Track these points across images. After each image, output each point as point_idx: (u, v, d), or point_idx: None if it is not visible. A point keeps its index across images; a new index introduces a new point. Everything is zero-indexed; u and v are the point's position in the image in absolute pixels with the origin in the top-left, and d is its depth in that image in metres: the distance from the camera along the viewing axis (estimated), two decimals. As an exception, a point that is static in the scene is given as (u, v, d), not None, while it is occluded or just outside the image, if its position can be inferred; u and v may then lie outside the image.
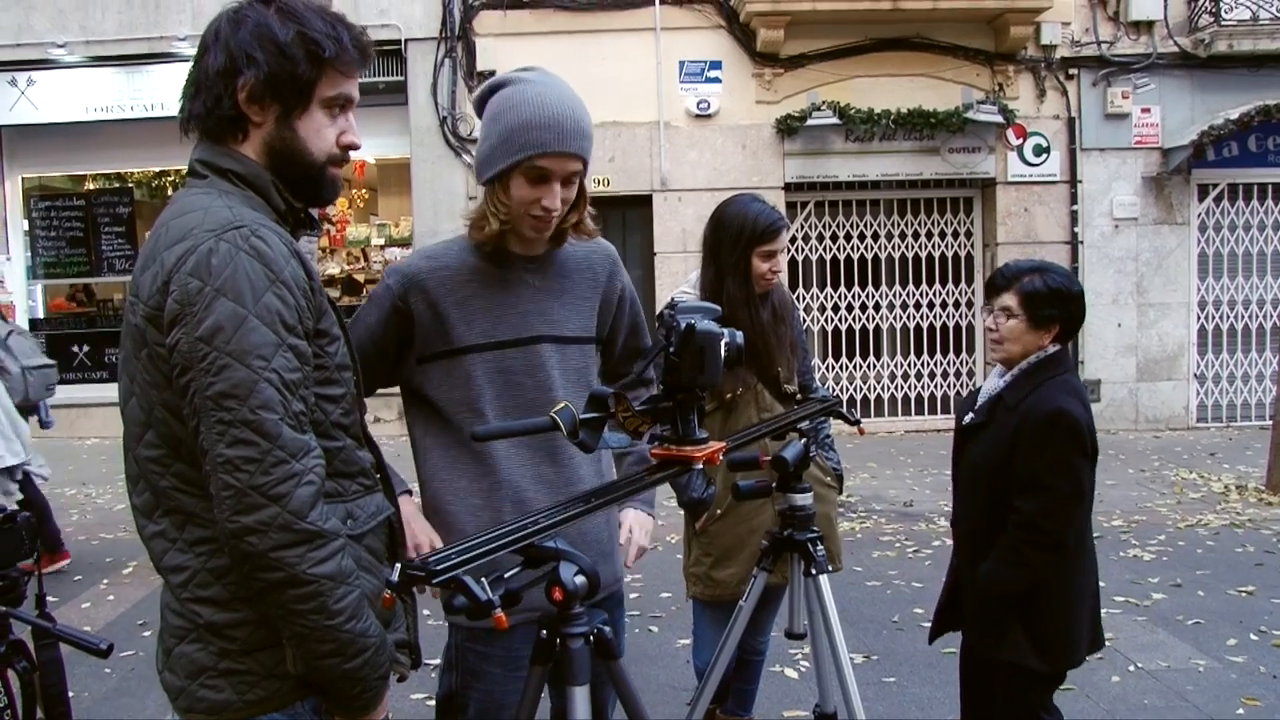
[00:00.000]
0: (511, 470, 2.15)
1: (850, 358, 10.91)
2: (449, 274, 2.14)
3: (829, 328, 10.86)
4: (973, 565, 2.80)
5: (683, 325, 1.90)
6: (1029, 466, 2.66)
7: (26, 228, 11.47)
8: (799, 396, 3.30)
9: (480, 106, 2.16)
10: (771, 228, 3.12)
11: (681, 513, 3.34)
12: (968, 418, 2.90)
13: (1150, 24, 10.39)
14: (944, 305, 10.89)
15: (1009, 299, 2.76)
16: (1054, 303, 2.72)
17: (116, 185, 11.73)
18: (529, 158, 2.03)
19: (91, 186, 11.77)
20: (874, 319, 10.87)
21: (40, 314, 11.54)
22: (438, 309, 2.13)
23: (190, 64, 1.67)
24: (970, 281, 10.90)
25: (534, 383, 2.17)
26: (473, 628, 2.09)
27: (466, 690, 2.16)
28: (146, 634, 4.72)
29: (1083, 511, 2.69)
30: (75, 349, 11.43)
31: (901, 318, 10.89)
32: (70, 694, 2.65)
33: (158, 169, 11.59)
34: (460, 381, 2.15)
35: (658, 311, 3.35)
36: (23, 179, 11.48)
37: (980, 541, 2.79)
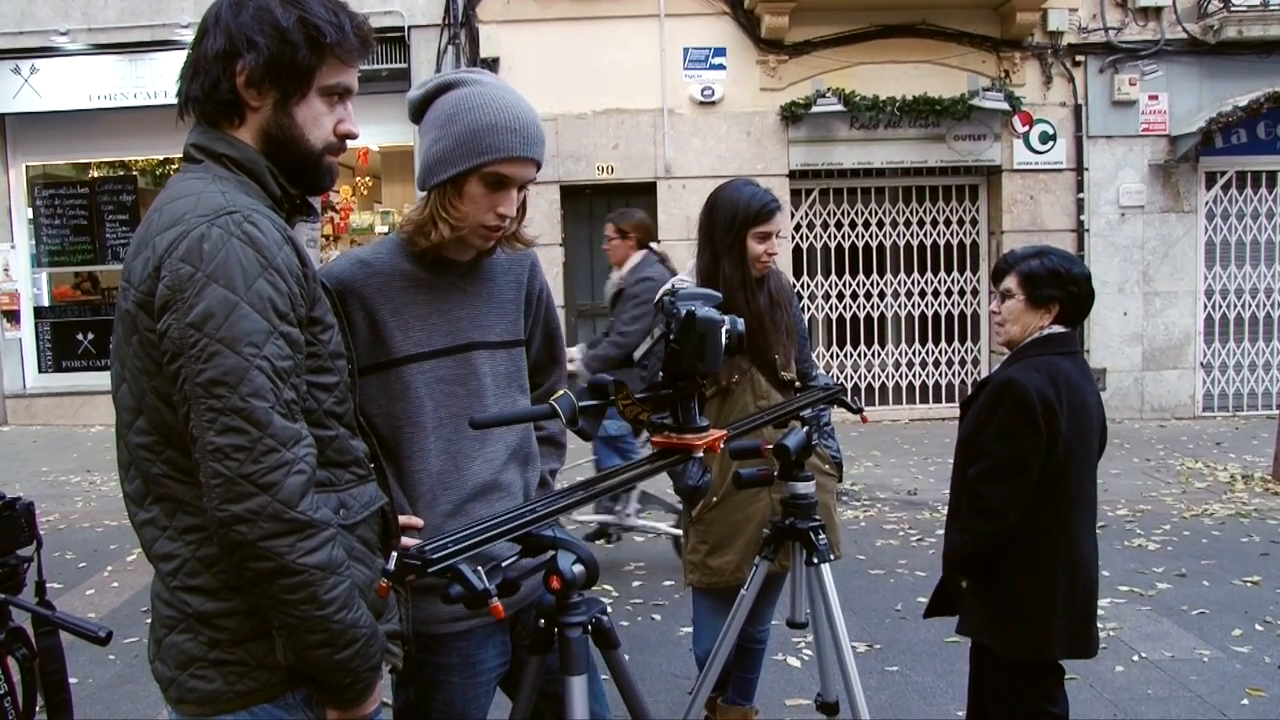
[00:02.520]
0: (448, 484, 2.07)
1: (855, 346, 10.88)
2: (383, 280, 2.03)
3: (833, 316, 10.83)
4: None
5: (683, 312, 1.88)
6: (979, 435, 2.74)
7: (30, 215, 11.46)
8: (798, 385, 3.29)
9: (421, 108, 2.05)
10: (765, 209, 3.11)
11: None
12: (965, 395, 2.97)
13: (1158, 10, 10.31)
14: (949, 293, 10.85)
15: (1009, 281, 2.82)
16: (1052, 283, 2.76)
17: (120, 173, 11.72)
18: (492, 161, 1.95)
19: (95, 174, 11.75)
20: (879, 307, 10.83)
21: (45, 302, 11.54)
22: (374, 317, 2.02)
23: (189, 49, 1.65)
24: (975, 270, 10.86)
25: (466, 391, 2.09)
26: (426, 639, 2.04)
27: (427, 703, 2.10)
28: (150, 621, 4.73)
29: (1022, 483, 2.67)
30: (79, 337, 11.45)
31: (906, 306, 10.85)
32: (73, 681, 2.65)
33: (161, 156, 11.55)
34: (399, 394, 2.04)
35: (656, 299, 3.35)
36: (27, 167, 11.47)
37: (953, 513, 2.88)
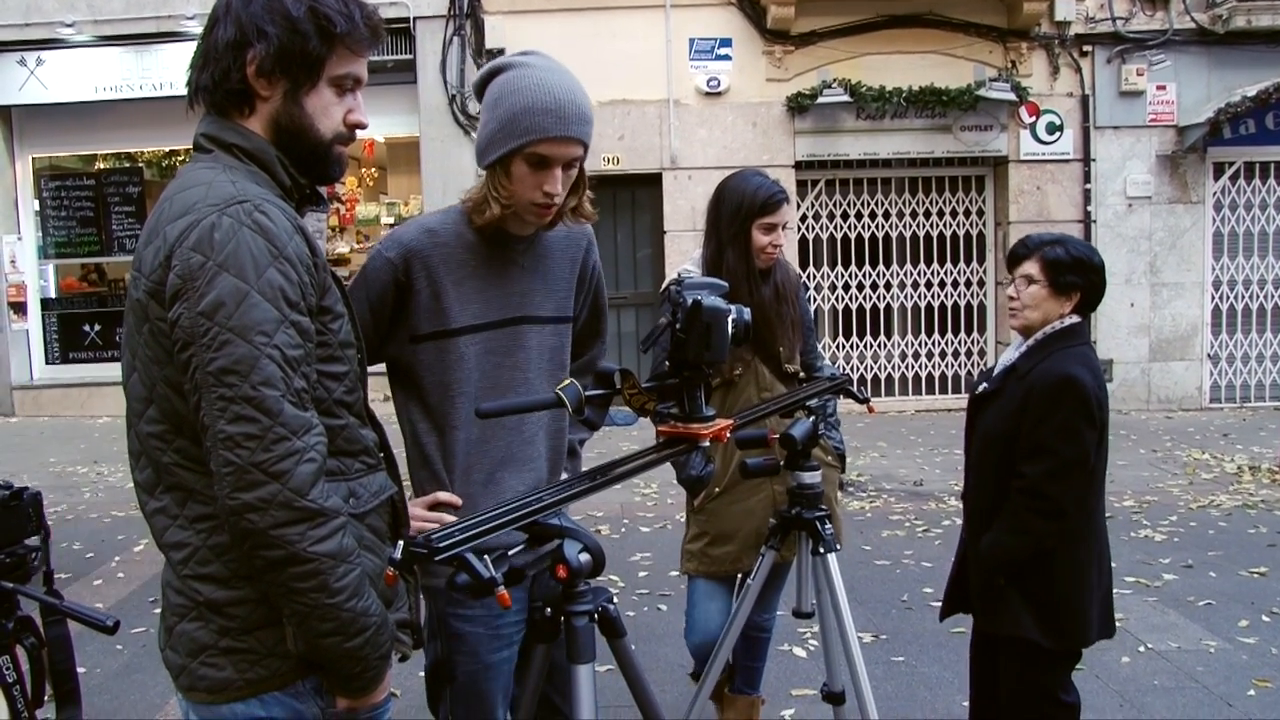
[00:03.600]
0: (484, 452, 2.17)
1: (861, 337, 10.87)
2: (449, 251, 2.13)
3: (839, 307, 10.81)
4: (978, 536, 2.81)
5: (689, 301, 1.88)
6: (1035, 432, 2.67)
7: (37, 207, 11.48)
8: (802, 376, 3.29)
9: (481, 90, 2.14)
10: (771, 200, 3.10)
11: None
12: (980, 387, 2.90)
13: (1166, -1, 10.28)
14: (955, 284, 10.82)
15: (1030, 267, 2.78)
16: (1076, 270, 2.74)
17: (126, 165, 11.74)
18: (530, 142, 2.01)
19: (101, 166, 11.77)
20: (885, 298, 10.82)
21: (52, 294, 11.57)
22: (437, 286, 2.11)
23: (199, 38, 1.66)
24: (982, 260, 10.83)
25: (511, 363, 2.18)
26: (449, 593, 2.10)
27: (452, 657, 2.18)
28: (158, 611, 4.73)
29: (1086, 481, 2.68)
30: (86, 328, 11.48)
31: (912, 297, 10.83)
32: (81, 670, 2.66)
33: (167, 148, 11.58)
34: (453, 363, 2.13)
35: (662, 287, 3.35)
36: (33, 159, 11.49)
37: (987, 512, 2.79)
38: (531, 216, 2.12)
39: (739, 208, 3.10)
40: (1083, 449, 2.64)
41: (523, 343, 2.20)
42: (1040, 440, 2.66)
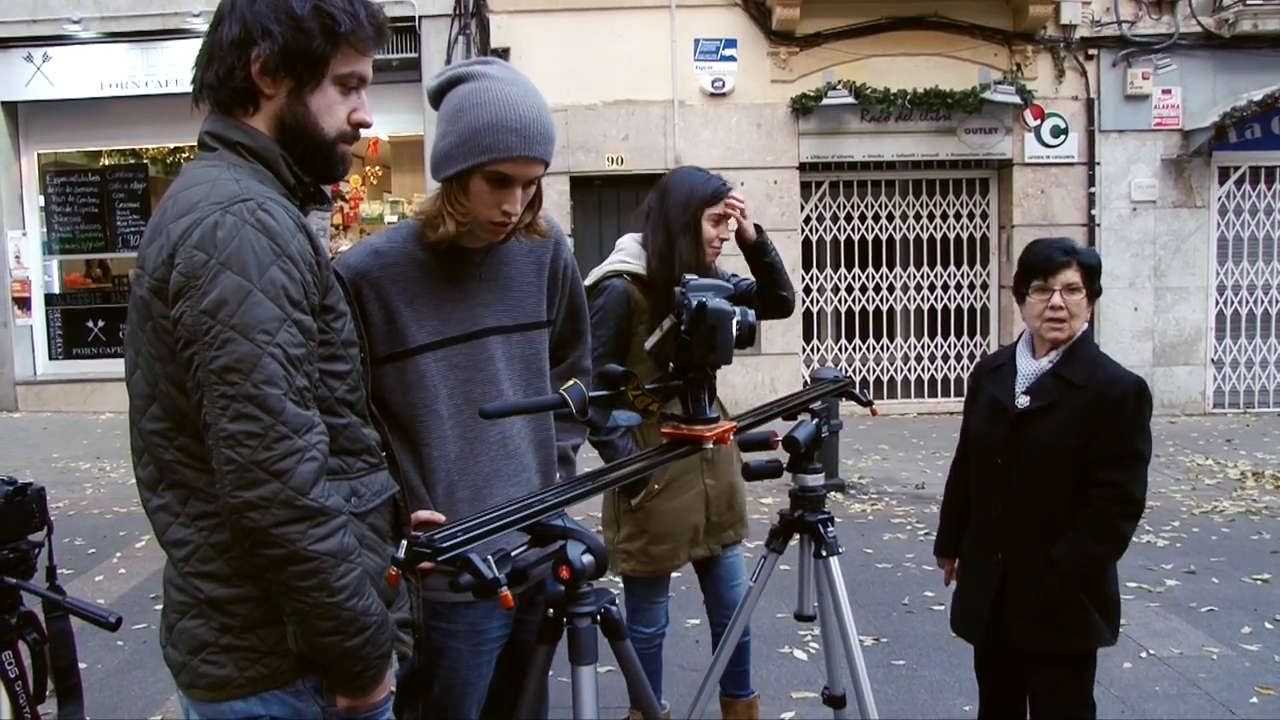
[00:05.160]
0: (466, 469, 2.12)
1: (864, 339, 10.86)
2: (399, 270, 2.05)
3: (842, 309, 10.80)
4: (1037, 555, 2.70)
5: (694, 303, 1.88)
6: (1121, 438, 2.66)
7: (42, 203, 11.48)
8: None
9: (437, 98, 2.05)
10: (720, 190, 3.14)
11: None
12: (1022, 400, 2.75)
13: (1173, 3, 10.22)
14: (959, 287, 10.81)
15: (1072, 274, 2.68)
16: (1099, 275, 2.76)
17: (131, 161, 11.75)
18: (493, 160, 1.94)
19: (106, 162, 11.78)
20: (888, 300, 10.81)
21: (56, 289, 11.57)
22: (389, 307, 2.04)
23: (204, 36, 1.66)
24: (985, 263, 10.82)
25: (482, 376, 2.12)
26: (434, 605, 2.07)
27: (431, 669, 2.14)
28: (159, 607, 4.73)
29: None
30: (90, 324, 11.48)
31: (915, 299, 10.82)
32: (83, 666, 2.66)
33: (172, 145, 11.58)
34: (415, 383, 2.07)
35: (591, 281, 3.25)
36: (39, 155, 11.49)
37: (1057, 526, 2.70)
38: (485, 234, 2.06)
39: (689, 198, 3.11)
40: (1152, 449, 2.73)
41: (490, 355, 2.13)
42: (1124, 447, 2.66)
